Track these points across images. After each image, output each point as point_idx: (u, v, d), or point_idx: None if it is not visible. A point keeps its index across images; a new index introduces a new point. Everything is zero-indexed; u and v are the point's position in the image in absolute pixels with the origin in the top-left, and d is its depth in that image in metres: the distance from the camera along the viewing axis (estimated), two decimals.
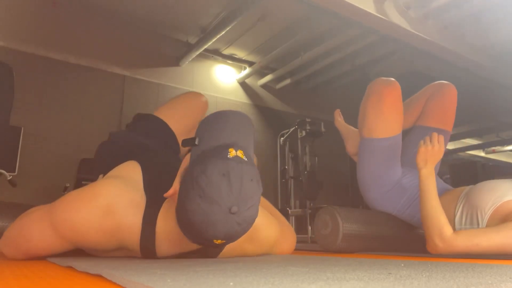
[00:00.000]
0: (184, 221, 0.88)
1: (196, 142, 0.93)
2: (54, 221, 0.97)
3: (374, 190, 1.66)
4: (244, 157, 0.89)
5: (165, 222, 1.00)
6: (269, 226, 1.23)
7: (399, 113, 1.63)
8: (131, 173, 1.10)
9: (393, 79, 1.66)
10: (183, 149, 1.48)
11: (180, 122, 1.54)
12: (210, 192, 0.83)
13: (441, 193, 1.56)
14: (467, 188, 1.46)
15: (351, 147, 1.96)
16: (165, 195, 0.93)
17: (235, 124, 0.96)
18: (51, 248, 1.00)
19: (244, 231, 0.90)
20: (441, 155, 1.39)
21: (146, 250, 1.02)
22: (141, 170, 1.11)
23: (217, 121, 0.96)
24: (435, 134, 1.39)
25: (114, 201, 0.98)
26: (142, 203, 1.01)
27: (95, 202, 0.96)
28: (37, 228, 0.98)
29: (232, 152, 0.88)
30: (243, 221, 0.86)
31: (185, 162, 0.96)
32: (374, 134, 1.61)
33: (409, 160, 1.74)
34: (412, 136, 1.83)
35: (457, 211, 1.40)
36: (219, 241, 0.88)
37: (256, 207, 0.90)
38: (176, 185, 0.93)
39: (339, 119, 2.10)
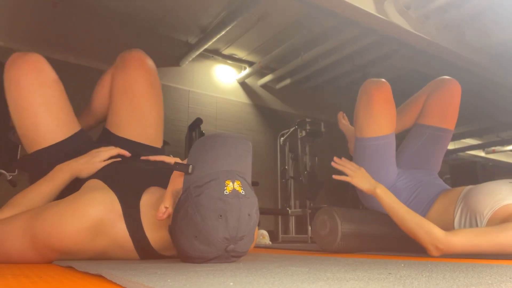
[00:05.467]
0: (179, 251, 0.88)
1: (190, 171, 0.86)
2: (38, 247, 0.90)
3: None
4: (241, 190, 0.84)
5: (153, 233, 0.98)
6: None
7: (389, 113, 1.61)
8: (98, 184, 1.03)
9: (383, 79, 1.65)
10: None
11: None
12: (206, 233, 0.80)
13: (439, 193, 1.55)
14: (466, 188, 1.45)
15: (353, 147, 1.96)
16: (158, 218, 0.89)
17: (233, 149, 0.89)
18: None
19: (240, 257, 0.91)
20: (362, 169, 1.48)
21: (147, 254, 1.01)
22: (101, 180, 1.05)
23: (214, 145, 0.88)
24: (336, 161, 1.50)
25: (102, 220, 0.92)
26: (118, 208, 0.96)
27: (84, 224, 0.89)
28: (17, 249, 0.90)
29: (229, 186, 0.83)
30: (239, 253, 0.87)
31: (175, 183, 0.90)
32: (365, 133, 1.61)
33: (406, 160, 1.73)
34: (410, 134, 1.79)
35: (456, 214, 1.39)
36: None
37: (251, 236, 0.88)
38: (167, 206, 0.88)
39: (343, 121, 2.08)
